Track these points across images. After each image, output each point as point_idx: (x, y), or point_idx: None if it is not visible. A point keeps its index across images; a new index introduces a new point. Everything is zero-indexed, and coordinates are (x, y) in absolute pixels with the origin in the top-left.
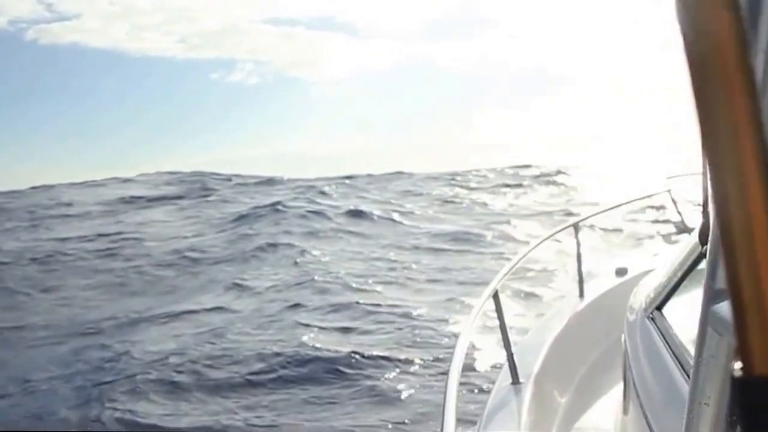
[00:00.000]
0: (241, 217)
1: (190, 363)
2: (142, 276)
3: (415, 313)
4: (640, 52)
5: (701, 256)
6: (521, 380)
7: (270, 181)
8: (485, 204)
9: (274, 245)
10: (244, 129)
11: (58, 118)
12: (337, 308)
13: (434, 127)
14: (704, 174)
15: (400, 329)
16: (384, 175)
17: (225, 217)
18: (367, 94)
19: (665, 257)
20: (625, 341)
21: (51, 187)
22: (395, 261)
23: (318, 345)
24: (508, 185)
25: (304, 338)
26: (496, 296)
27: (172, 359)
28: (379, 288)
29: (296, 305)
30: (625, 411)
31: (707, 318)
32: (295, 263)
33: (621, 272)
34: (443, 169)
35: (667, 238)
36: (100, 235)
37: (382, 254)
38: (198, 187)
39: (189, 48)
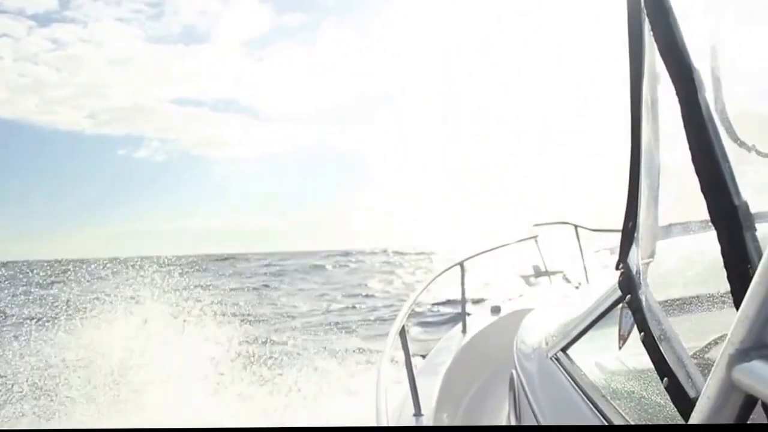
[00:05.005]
0: None
1: None
2: None
3: None
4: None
5: (617, 303)
6: (423, 412)
7: None
8: None
9: None
10: (150, 204)
11: None
12: None
13: (326, 207)
14: (625, 230)
15: None
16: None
17: None
18: (267, 175)
19: (542, 297)
20: (518, 378)
21: None
22: None
23: None
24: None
25: None
26: (402, 333)
27: None
28: None
29: None
30: None
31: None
32: None
33: (495, 310)
34: (333, 247)
35: (526, 279)
36: None
37: None
38: None
39: (98, 124)
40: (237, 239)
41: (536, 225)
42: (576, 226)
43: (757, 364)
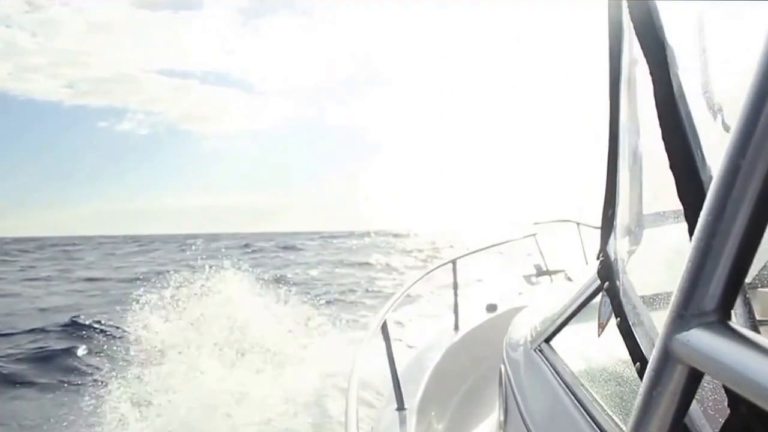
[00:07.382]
0: None
1: None
2: None
3: None
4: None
5: (597, 292)
6: (406, 407)
7: None
8: None
9: None
10: (132, 180)
11: None
12: None
13: (320, 184)
14: (605, 219)
15: None
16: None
17: None
18: (258, 151)
19: (539, 295)
20: (506, 372)
21: None
22: None
23: None
24: None
25: None
26: (384, 327)
27: None
28: None
29: None
30: None
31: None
32: None
33: (491, 308)
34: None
35: (528, 278)
36: None
37: None
38: None
39: (77, 94)
40: (225, 218)
41: (536, 223)
42: (578, 223)
43: (695, 333)
